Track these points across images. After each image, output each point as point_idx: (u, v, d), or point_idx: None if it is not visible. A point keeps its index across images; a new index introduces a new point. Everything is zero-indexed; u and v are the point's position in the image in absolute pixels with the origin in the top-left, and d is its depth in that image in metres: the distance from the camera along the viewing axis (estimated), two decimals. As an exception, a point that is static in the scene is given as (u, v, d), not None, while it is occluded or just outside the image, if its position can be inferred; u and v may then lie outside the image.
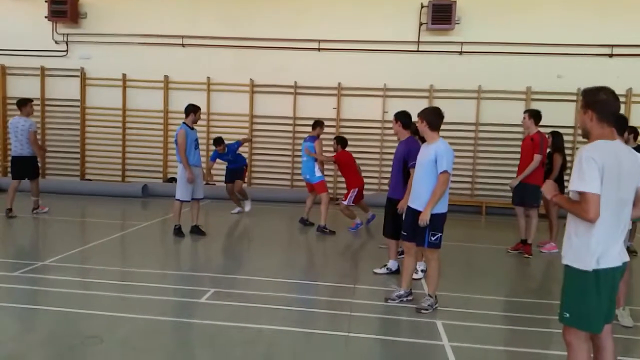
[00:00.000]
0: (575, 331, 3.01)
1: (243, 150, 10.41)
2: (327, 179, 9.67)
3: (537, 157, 7.20)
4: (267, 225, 9.79)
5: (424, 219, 4.77)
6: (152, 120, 12.96)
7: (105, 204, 11.28)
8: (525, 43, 11.73)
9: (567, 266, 3.03)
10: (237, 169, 10.28)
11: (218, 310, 4.86)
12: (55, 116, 13.17)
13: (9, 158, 12.96)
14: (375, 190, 12.35)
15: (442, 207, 4.92)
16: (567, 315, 3.00)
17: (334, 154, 9.01)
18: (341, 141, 9.02)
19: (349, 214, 9.01)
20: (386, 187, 8.80)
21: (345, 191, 9.00)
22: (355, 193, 8.76)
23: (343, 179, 9.34)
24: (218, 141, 9.89)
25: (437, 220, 4.89)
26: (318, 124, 9.28)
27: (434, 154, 4.84)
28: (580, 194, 2.88)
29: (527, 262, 7.37)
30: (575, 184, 2.90)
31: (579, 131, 11.34)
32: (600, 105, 2.98)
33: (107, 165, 13.17)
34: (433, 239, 4.93)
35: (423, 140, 6.92)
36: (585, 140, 7.55)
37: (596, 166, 2.83)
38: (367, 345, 4.26)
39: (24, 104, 9.27)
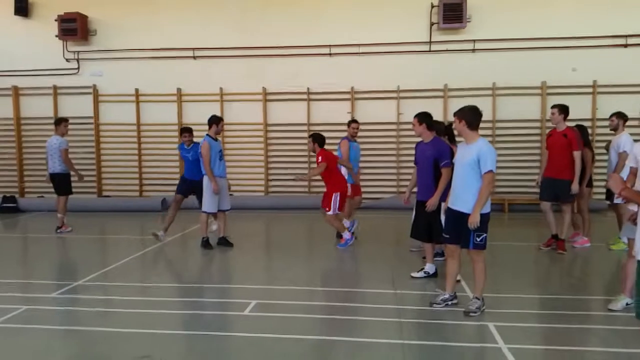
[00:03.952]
0: (656, 328, 2.93)
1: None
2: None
3: (578, 154, 7.07)
4: (289, 233, 9.71)
5: (474, 222, 4.67)
6: (167, 133, 12.89)
7: (126, 219, 11.23)
8: (538, 38, 11.63)
9: (641, 262, 2.96)
10: (194, 181, 8.20)
11: (265, 322, 4.78)
12: (69, 134, 13.06)
13: (25, 178, 13.19)
14: (394, 192, 12.27)
15: (486, 207, 4.83)
16: (647, 312, 2.93)
17: (317, 156, 7.89)
18: (318, 139, 7.87)
19: (339, 226, 7.96)
20: (404, 189, 8.58)
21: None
22: (338, 198, 7.75)
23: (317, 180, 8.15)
24: (185, 130, 8.69)
25: (482, 221, 4.79)
26: (349, 122, 8.76)
27: (476, 154, 4.75)
28: (656, 187, 2.82)
29: (562, 259, 7.26)
30: (650, 177, 2.84)
31: (597, 123, 11.40)
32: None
33: (124, 180, 13.12)
34: (478, 240, 4.83)
35: (451, 140, 6.91)
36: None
37: (671, 159, 2.77)
38: (426, 352, 4.18)
39: (58, 123, 9.67)
